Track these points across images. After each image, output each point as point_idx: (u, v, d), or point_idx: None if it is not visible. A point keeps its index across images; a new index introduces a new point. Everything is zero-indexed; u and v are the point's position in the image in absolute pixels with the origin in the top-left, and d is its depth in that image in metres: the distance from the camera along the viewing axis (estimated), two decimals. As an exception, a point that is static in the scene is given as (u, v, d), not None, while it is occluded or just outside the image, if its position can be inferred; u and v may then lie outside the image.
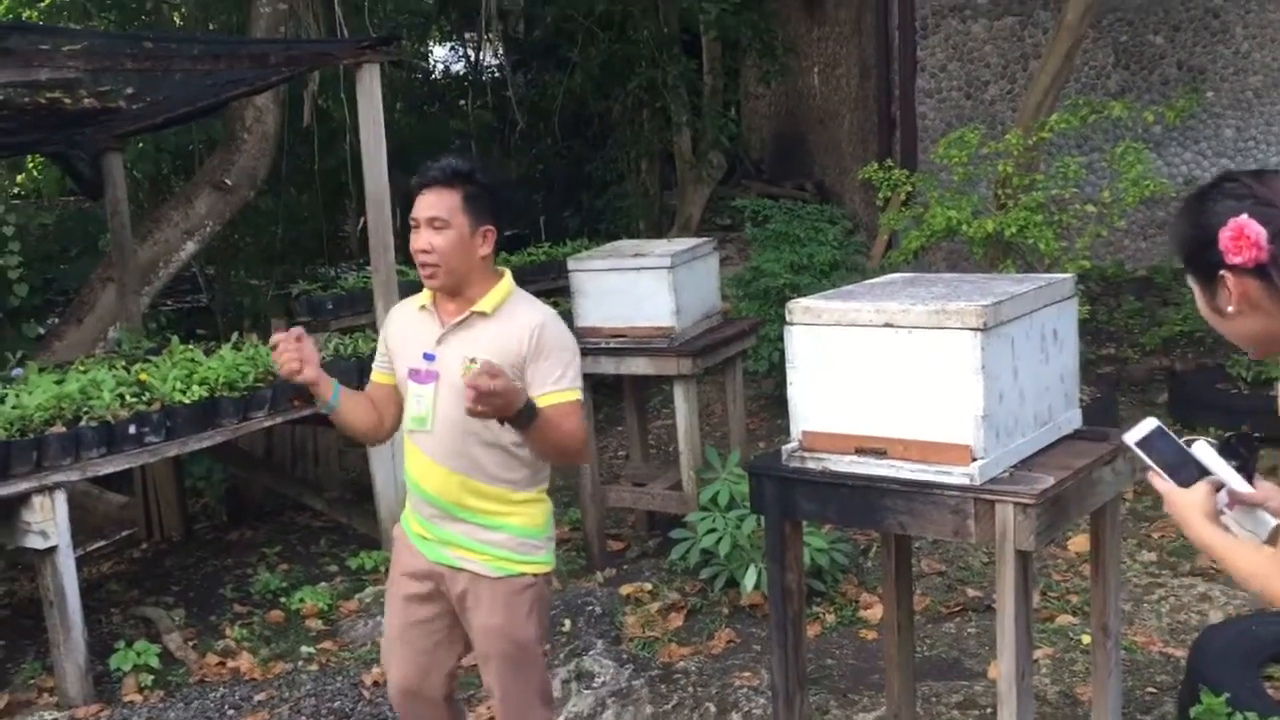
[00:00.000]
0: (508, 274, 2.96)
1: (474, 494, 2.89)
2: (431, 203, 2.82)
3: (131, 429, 4.81)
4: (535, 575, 2.96)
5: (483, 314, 2.87)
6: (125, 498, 6.74)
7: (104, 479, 5.74)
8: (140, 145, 9.87)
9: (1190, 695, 3.37)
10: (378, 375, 3.09)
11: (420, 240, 2.83)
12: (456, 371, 2.78)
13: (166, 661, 4.98)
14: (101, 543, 5.51)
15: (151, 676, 4.80)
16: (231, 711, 4.43)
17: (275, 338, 2.81)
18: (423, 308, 2.97)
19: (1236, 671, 3.37)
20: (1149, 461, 1.90)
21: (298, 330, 2.83)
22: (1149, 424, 1.91)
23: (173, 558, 6.44)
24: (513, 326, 2.84)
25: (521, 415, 2.63)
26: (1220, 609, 4.47)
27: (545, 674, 3.12)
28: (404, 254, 9.02)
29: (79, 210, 11.03)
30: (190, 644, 5.22)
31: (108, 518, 6.24)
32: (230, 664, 4.95)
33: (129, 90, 5.49)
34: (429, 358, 2.89)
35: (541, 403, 2.74)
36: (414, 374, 2.92)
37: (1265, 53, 8.97)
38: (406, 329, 3.00)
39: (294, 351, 2.77)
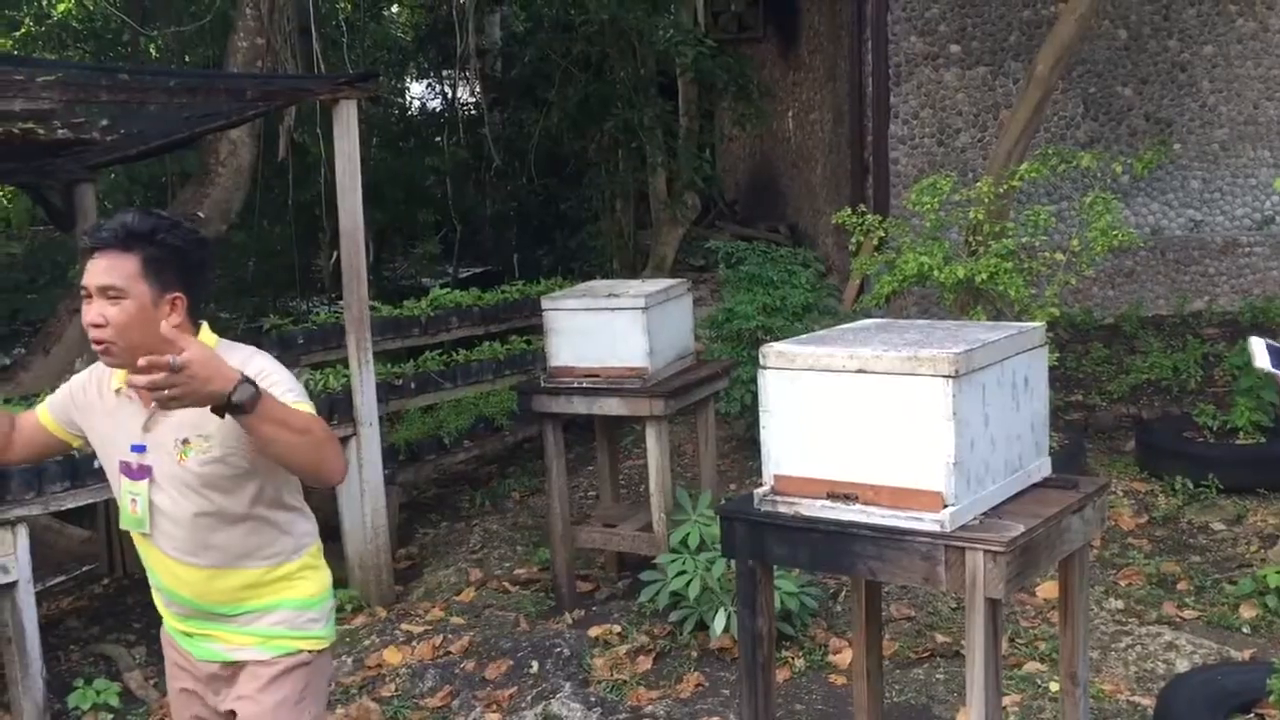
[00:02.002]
0: (205, 330, 2.55)
1: (233, 585, 2.57)
2: (104, 269, 2.41)
3: (95, 463, 4.75)
4: (310, 652, 2.65)
5: None
6: (87, 532, 6.65)
7: (66, 513, 5.66)
8: (113, 176, 9.85)
9: (1158, 744, 3.38)
10: (43, 413, 2.72)
11: (91, 313, 2.42)
12: (172, 458, 2.48)
13: (126, 700, 4.90)
14: (62, 578, 5.43)
15: (111, 715, 4.73)
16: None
17: None
18: (118, 392, 2.57)
19: (1203, 721, 3.38)
20: None
21: None
22: (1259, 344, 1.88)
23: (135, 594, 6.35)
24: None
25: (237, 389, 2.15)
26: (1187, 658, 4.48)
27: None
28: (377, 288, 9.02)
29: (48, 240, 10.96)
30: (151, 682, 5.14)
31: (69, 553, 6.15)
32: (191, 703, 4.87)
33: (104, 122, 5.47)
34: (138, 449, 2.54)
35: None
36: (125, 468, 2.56)
37: (1231, 106, 9.14)
38: (106, 414, 2.61)
39: None
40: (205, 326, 2.58)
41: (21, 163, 6.43)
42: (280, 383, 2.45)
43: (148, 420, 2.52)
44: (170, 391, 2.10)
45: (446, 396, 7.28)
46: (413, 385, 6.93)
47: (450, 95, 14.63)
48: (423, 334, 7.56)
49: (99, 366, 2.66)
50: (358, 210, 5.54)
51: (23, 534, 4.53)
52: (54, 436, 2.72)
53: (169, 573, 2.59)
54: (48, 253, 10.23)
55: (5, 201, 11.68)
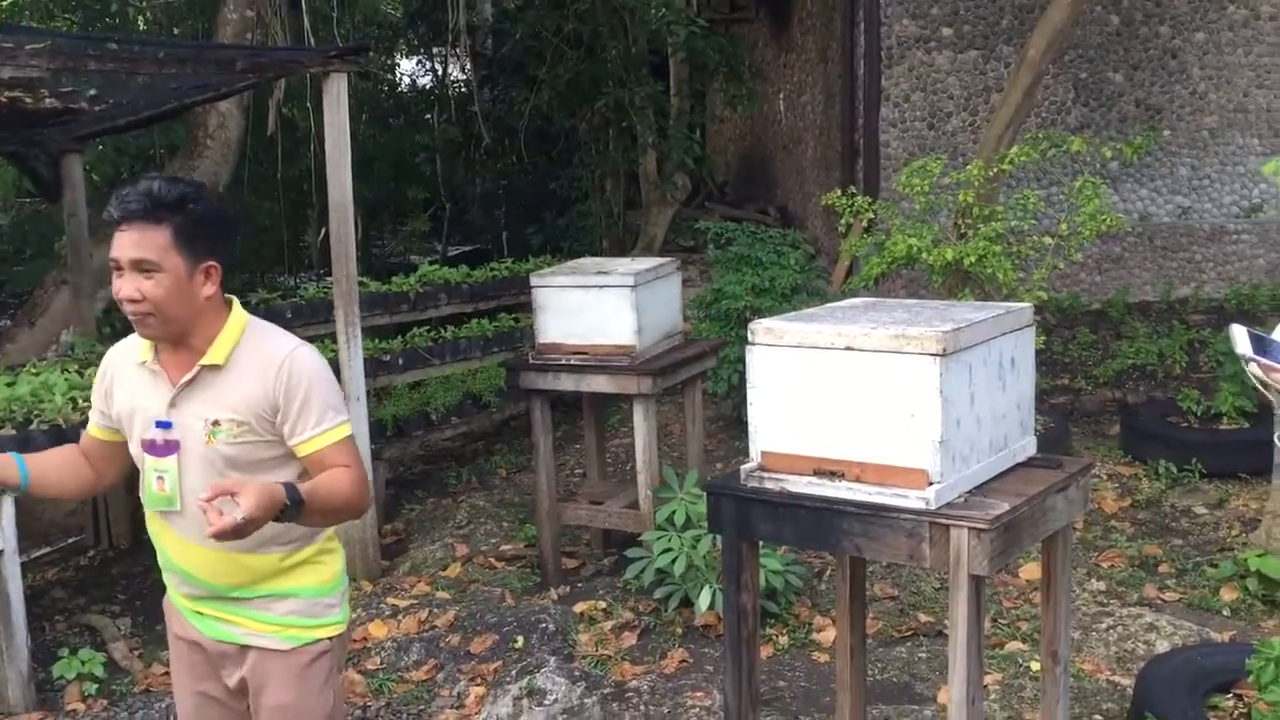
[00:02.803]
0: (236, 306, 2.51)
1: (252, 568, 2.51)
2: (135, 242, 2.34)
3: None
4: (330, 639, 2.61)
5: (215, 367, 2.44)
6: (73, 504, 6.64)
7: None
8: (100, 148, 9.79)
9: (1136, 723, 3.42)
10: (94, 430, 2.66)
11: (125, 287, 2.36)
12: (201, 438, 2.43)
13: (111, 670, 4.90)
14: (48, 549, 5.44)
15: (95, 685, 4.72)
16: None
17: None
18: (143, 364, 2.51)
19: (1181, 700, 3.42)
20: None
21: None
22: (1241, 332, 1.91)
23: (120, 566, 6.35)
24: (253, 372, 2.44)
25: (285, 513, 2.27)
26: (1167, 639, 4.53)
27: None
28: (365, 265, 9.00)
29: (35, 212, 10.90)
30: (136, 653, 5.15)
31: (54, 524, 6.16)
32: (176, 675, 4.88)
33: (92, 92, 5.43)
34: (163, 425, 2.46)
35: (305, 450, 2.45)
36: (149, 446, 2.49)
37: (1221, 94, 9.16)
38: (130, 391, 2.54)
39: None
40: (237, 303, 2.53)
41: (9, 132, 6.39)
42: (316, 406, 2.44)
43: (175, 396, 2.46)
44: (234, 535, 2.16)
45: (434, 373, 7.28)
46: (400, 361, 6.94)
47: (440, 72, 14.57)
48: (411, 310, 7.56)
49: (110, 356, 2.64)
50: (347, 184, 5.52)
51: (8, 504, 4.51)
52: (111, 443, 2.64)
53: (184, 553, 2.53)
54: (34, 224, 10.18)
55: (-9, 173, 11.60)
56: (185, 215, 2.38)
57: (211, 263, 2.43)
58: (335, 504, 2.41)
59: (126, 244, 2.36)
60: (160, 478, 2.48)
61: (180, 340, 2.45)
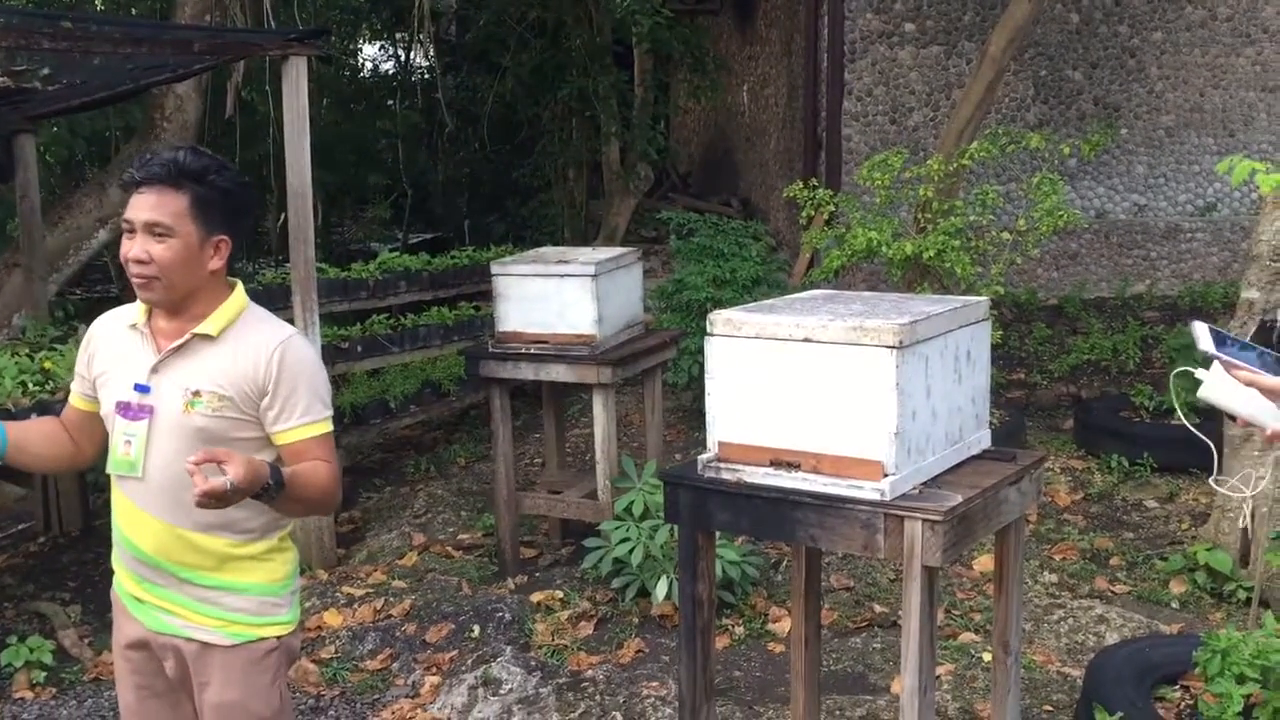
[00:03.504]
0: (239, 287, 2.53)
1: (202, 551, 2.46)
2: (153, 204, 2.36)
3: (33, 418, 4.67)
4: (277, 638, 2.56)
5: (206, 337, 2.43)
6: (24, 490, 6.54)
7: (2, 469, 5.56)
8: (54, 129, 9.64)
9: (1086, 714, 3.46)
10: (75, 400, 2.63)
11: (135, 248, 2.37)
12: (177, 406, 2.40)
13: (60, 658, 4.84)
14: (-4, 535, 5.35)
15: (44, 673, 4.66)
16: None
17: None
18: (133, 327, 2.50)
19: (1130, 691, 3.46)
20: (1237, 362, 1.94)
21: None
22: (1202, 328, 1.94)
23: (71, 553, 6.26)
24: (246, 350, 2.43)
25: (267, 492, 2.26)
26: (1116, 630, 4.59)
27: None
28: (325, 251, 8.91)
29: (-14, 193, 10.70)
30: (85, 641, 5.08)
31: (4, 510, 6.06)
32: (127, 663, 4.82)
33: (45, 71, 5.34)
34: (141, 389, 2.44)
35: (285, 439, 2.44)
36: (122, 408, 2.45)
37: (1178, 93, 9.28)
38: (113, 352, 2.52)
39: None
40: (240, 286, 2.53)
41: (-41, 111, 6.28)
42: (303, 395, 2.44)
43: (158, 362, 2.44)
44: (218, 502, 2.16)
45: (393, 361, 7.24)
46: (359, 349, 6.88)
47: (403, 58, 14.47)
48: (370, 297, 7.50)
49: (99, 322, 2.62)
50: (306, 169, 5.47)
51: (-45, 489, 4.45)
52: (92, 414, 2.60)
53: (136, 525, 2.48)
54: (-15, 205, 9.99)
55: (-58, 152, 11.37)
56: (206, 186, 2.40)
57: (223, 237, 2.44)
58: (311, 495, 2.41)
59: (143, 205, 2.37)
60: (128, 441, 2.44)
61: (177, 309, 2.45)
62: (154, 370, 2.44)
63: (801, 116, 9.34)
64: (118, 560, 2.60)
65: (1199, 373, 2.04)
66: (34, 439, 2.59)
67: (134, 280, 2.41)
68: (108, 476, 2.55)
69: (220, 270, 2.47)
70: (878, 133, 8.99)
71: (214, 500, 2.14)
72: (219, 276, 2.47)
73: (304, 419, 2.45)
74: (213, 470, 2.15)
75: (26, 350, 5.37)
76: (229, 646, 2.50)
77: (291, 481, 2.33)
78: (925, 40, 8.98)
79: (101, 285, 10.42)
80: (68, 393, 2.69)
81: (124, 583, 2.59)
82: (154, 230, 2.37)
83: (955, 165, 6.45)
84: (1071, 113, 9.20)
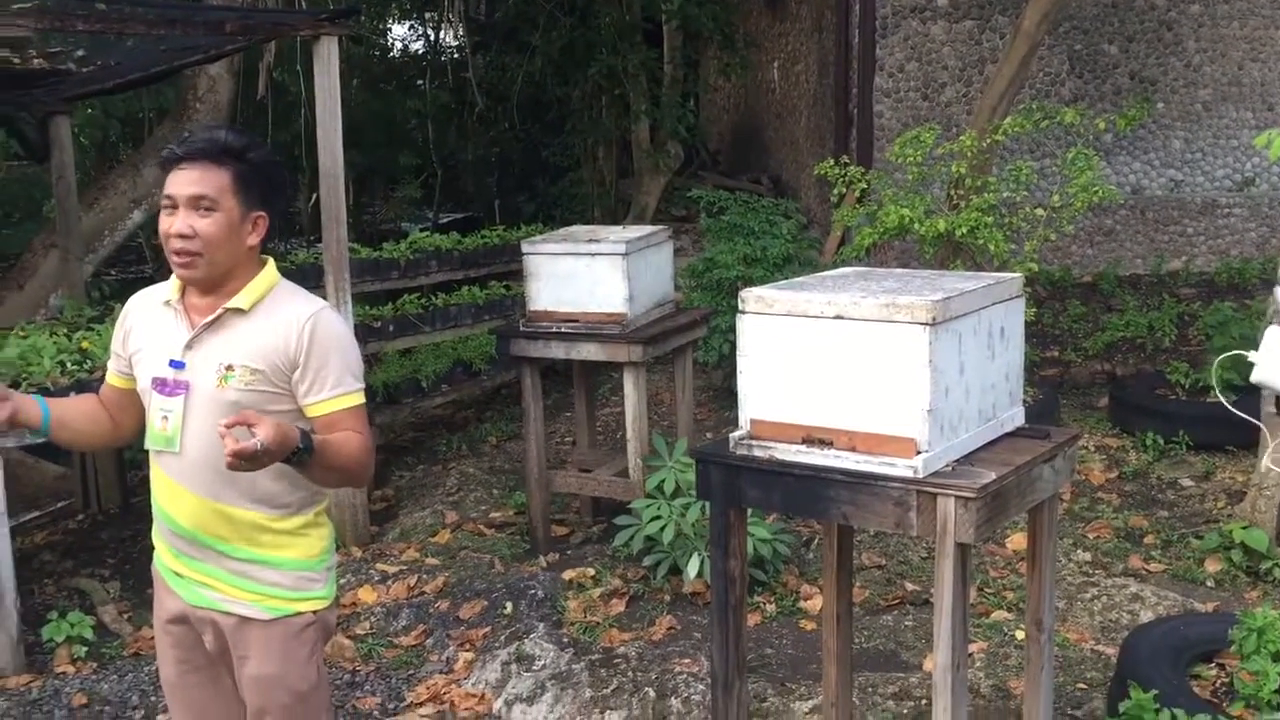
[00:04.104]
0: (271, 264, 2.57)
1: (238, 525, 2.50)
2: (195, 179, 2.40)
3: (72, 396, 4.73)
4: (314, 613, 2.60)
5: (239, 311, 2.47)
6: (62, 468, 6.64)
7: (41, 448, 5.64)
8: (89, 110, 9.72)
9: (1120, 691, 3.45)
10: (112, 378, 2.68)
11: (177, 222, 2.41)
12: (211, 381, 2.43)
13: (100, 633, 4.91)
14: (36, 513, 5.43)
15: (85, 648, 4.74)
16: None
17: None
18: (167, 303, 2.54)
19: (1164, 669, 3.45)
20: None
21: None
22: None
23: (109, 530, 6.35)
24: (277, 324, 2.46)
25: (297, 455, 2.28)
26: (1151, 609, 4.56)
27: None
28: (356, 232, 8.95)
29: (23, 175, 10.83)
30: (125, 617, 5.16)
31: (43, 488, 6.15)
32: (165, 638, 4.89)
33: (79, 52, 5.40)
34: (176, 365, 2.47)
35: (317, 411, 2.46)
36: (159, 384, 2.49)
37: (1215, 67, 9.14)
38: (148, 329, 2.56)
39: None
40: (271, 262, 2.57)
41: (-4, 93, 6.35)
42: (335, 368, 2.46)
43: (193, 338, 2.48)
44: (245, 465, 2.18)
45: (425, 340, 7.27)
46: (391, 328, 6.92)
47: (433, 37, 14.48)
48: (401, 277, 7.54)
49: (133, 300, 2.66)
50: (337, 149, 5.49)
51: (-3, 467, 4.51)
52: (129, 391, 2.63)
53: (175, 499, 2.52)
54: (22, 187, 10.11)
55: (-21, 135, 11.51)
56: (246, 163, 2.45)
57: (261, 213, 2.49)
58: (343, 463, 2.42)
59: (186, 180, 2.41)
60: (165, 416, 2.48)
61: (214, 286, 2.48)
62: (188, 346, 2.48)
63: (832, 93, 9.27)
64: (157, 535, 2.64)
65: (1251, 355, 2.02)
66: (74, 416, 2.64)
67: (175, 257, 2.44)
68: (145, 454, 2.59)
69: (256, 247, 2.51)
70: (909, 109, 8.92)
71: (244, 462, 2.17)
72: (254, 253, 2.52)
73: (335, 391, 2.47)
74: (243, 433, 2.18)
75: (64, 330, 5.43)
76: (266, 621, 2.54)
77: (322, 448, 2.34)
78: (958, 15, 8.89)
79: (136, 266, 10.52)
80: (105, 371, 2.74)
81: (163, 557, 2.63)
82: (198, 204, 2.40)
83: (988, 141, 6.39)
84: (1107, 87, 9.08)
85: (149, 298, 2.63)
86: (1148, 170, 9.23)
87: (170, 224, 2.42)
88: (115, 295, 8.14)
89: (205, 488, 2.48)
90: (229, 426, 2.17)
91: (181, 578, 2.58)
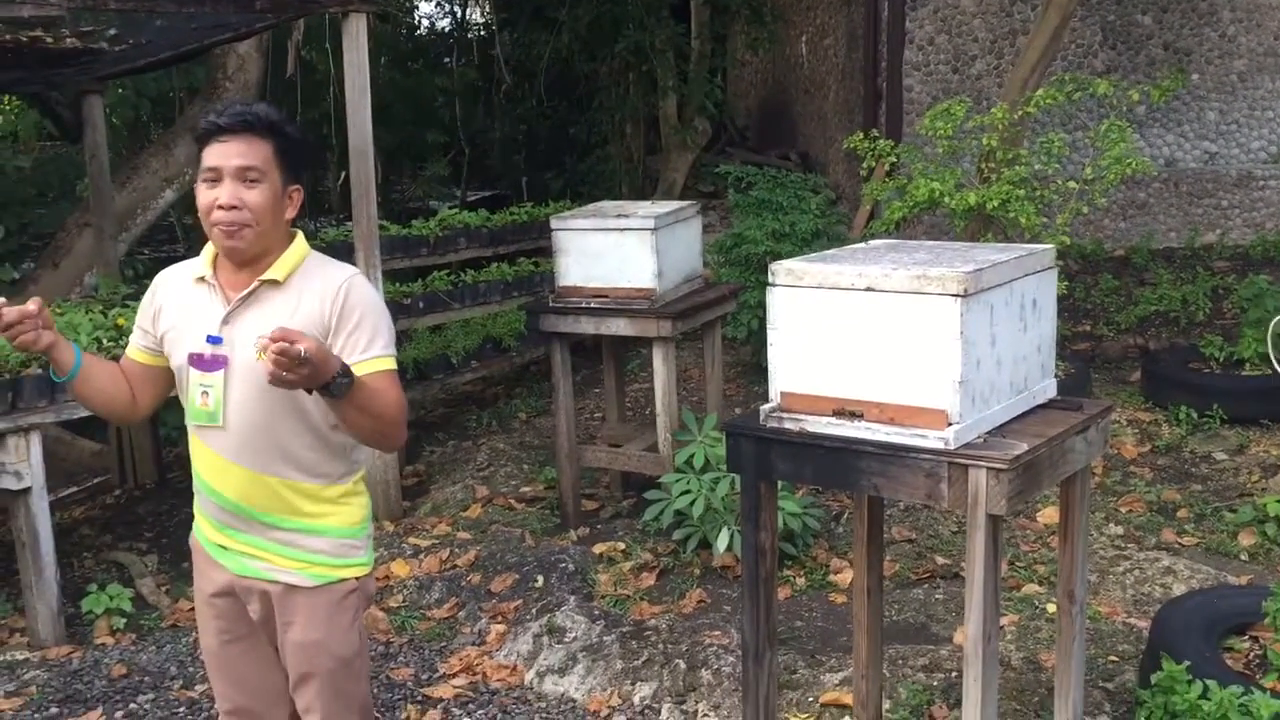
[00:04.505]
0: (301, 235, 2.59)
1: (283, 495, 2.54)
2: (242, 151, 2.42)
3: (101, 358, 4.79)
4: (356, 579, 2.65)
5: (274, 282, 2.49)
6: (99, 444, 6.73)
7: (78, 424, 5.72)
8: (120, 90, 9.77)
9: (1152, 664, 3.44)
10: (136, 353, 2.66)
11: (225, 194, 2.41)
12: (250, 354, 2.41)
13: (139, 606, 5.00)
14: (74, 489, 5.50)
15: (124, 620, 4.81)
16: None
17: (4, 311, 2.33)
18: (200, 279, 2.55)
19: (1197, 642, 3.43)
20: None
21: (36, 301, 2.38)
22: None
23: (146, 505, 6.44)
24: (311, 293, 2.48)
25: (335, 381, 2.26)
26: (1184, 582, 4.54)
27: (368, 690, 2.81)
28: (384, 209, 9.00)
29: (56, 154, 10.93)
30: (163, 589, 5.24)
31: (80, 464, 6.23)
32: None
33: (111, 31, 5.42)
34: (214, 340, 2.49)
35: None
36: (196, 360, 2.50)
37: (1251, 37, 9.01)
38: (180, 306, 2.57)
39: (31, 322, 2.35)
40: (300, 234, 2.59)
41: (29, 72, 6.39)
42: (367, 331, 2.47)
43: (229, 312, 2.49)
44: (288, 375, 2.15)
45: (454, 317, 7.31)
46: (421, 305, 6.96)
47: (460, 15, 14.45)
48: (431, 254, 7.57)
49: (162, 276, 2.66)
50: (367, 126, 5.51)
51: (36, 441, 4.58)
52: (152, 367, 2.65)
53: (220, 473, 2.54)
54: (56, 166, 10.19)
55: (13, 115, 11.61)
56: (284, 136, 2.49)
57: (297, 186, 2.54)
58: (379, 410, 2.41)
59: (232, 152, 2.42)
60: (205, 392, 2.50)
61: (250, 260, 2.50)
62: (225, 321, 2.50)
63: (861, 67, 9.20)
64: (200, 509, 2.67)
65: None
66: (100, 372, 2.62)
67: (220, 229, 2.44)
68: (179, 430, 2.62)
69: (290, 220, 2.55)
70: (939, 82, 8.84)
71: (287, 368, 2.14)
72: (287, 226, 2.55)
73: (368, 353, 2.47)
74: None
75: (100, 307, 5.50)
76: (312, 588, 2.59)
77: (360, 385, 2.33)
78: (989, -14, 8.79)
79: (168, 245, 10.59)
80: None
81: (207, 531, 2.66)
82: (246, 175, 2.42)
83: (1020, 113, 6.33)
84: (1140, 58, 8.97)
85: (178, 274, 2.63)
86: (1181, 142, 9.12)
87: (214, 196, 2.43)
88: (149, 274, 8.17)
89: (249, 460, 2.51)
90: (273, 339, 2.15)
91: (227, 550, 2.61)
